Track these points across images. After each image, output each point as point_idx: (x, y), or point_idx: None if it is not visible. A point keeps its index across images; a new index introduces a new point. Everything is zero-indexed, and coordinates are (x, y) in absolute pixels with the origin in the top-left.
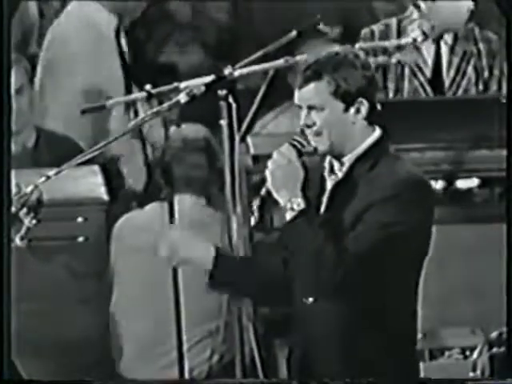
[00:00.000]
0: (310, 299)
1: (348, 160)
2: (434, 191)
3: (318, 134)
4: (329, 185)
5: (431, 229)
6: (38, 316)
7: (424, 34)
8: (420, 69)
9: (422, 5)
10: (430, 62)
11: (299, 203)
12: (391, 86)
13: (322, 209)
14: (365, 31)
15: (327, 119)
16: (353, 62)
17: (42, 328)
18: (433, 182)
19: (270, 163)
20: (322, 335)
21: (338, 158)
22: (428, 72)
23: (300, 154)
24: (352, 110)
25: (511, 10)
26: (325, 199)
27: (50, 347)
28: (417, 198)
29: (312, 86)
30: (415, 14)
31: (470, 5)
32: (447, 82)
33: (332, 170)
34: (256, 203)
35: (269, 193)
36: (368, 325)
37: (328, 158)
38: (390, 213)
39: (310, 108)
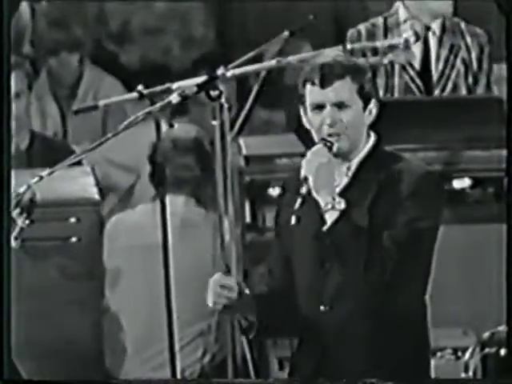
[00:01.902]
0: (322, 308)
1: (355, 163)
2: (440, 181)
3: (343, 132)
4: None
5: (439, 219)
6: (31, 316)
7: (416, 34)
8: (410, 63)
9: None
10: (418, 55)
11: (340, 202)
12: (381, 82)
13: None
14: (351, 31)
15: (352, 118)
16: (361, 65)
17: (34, 328)
18: None
19: (306, 163)
20: (341, 340)
21: (347, 160)
22: (417, 65)
23: (330, 152)
24: (367, 112)
25: (511, 10)
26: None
27: (43, 347)
28: (432, 190)
29: (339, 83)
30: (401, 12)
31: None
32: (436, 75)
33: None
34: (297, 203)
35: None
36: (391, 325)
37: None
38: (416, 208)
39: (336, 105)
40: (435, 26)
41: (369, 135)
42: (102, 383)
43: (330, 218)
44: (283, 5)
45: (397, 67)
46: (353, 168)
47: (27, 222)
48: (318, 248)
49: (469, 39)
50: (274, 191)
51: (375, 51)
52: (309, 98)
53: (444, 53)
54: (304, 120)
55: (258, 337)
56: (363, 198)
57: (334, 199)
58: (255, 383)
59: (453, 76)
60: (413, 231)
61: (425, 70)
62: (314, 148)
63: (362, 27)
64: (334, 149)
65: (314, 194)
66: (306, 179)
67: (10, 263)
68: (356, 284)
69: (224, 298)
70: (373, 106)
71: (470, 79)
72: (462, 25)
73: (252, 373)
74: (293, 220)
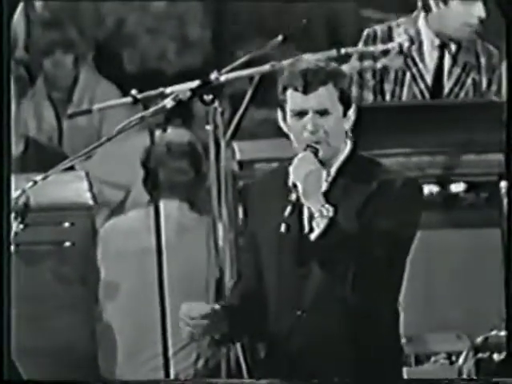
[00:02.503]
0: (298, 313)
1: (334, 169)
2: (423, 191)
3: (324, 140)
4: None
5: (416, 227)
6: (25, 320)
7: (410, 39)
8: (421, 75)
9: (433, 9)
10: (432, 69)
11: (329, 209)
12: (388, 88)
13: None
14: (367, 31)
15: (334, 125)
16: (342, 70)
17: (28, 331)
18: None
19: (293, 170)
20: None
21: (327, 167)
22: (429, 79)
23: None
24: (347, 116)
25: (511, 11)
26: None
27: (36, 351)
28: (414, 194)
29: (321, 90)
30: (420, 21)
31: (482, 14)
32: (445, 91)
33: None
34: (288, 211)
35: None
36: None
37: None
38: (396, 216)
39: (318, 113)
40: (452, 45)
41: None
42: (99, 383)
43: (317, 225)
44: (277, 9)
45: (408, 77)
46: (332, 174)
47: (21, 226)
48: (297, 253)
49: (483, 59)
50: None
51: (372, 56)
52: (290, 104)
53: (457, 70)
54: (282, 125)
55: (231, 344)
56: (344, 204)
57: (323, 206)
58: (250, 383)
59: (461, 95)
60: (391, 239)
61: (436, 86)
62: (301, 155)
63: (378, 28)
64: (320, 155)
65: (303, 201)
66: (294, 186)
67: (9, 265)
68: (333, 289)
69: (199, 326)
70: (352, 111)
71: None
72: (478, 43)
73: (246, 377)
74: (282, 228)
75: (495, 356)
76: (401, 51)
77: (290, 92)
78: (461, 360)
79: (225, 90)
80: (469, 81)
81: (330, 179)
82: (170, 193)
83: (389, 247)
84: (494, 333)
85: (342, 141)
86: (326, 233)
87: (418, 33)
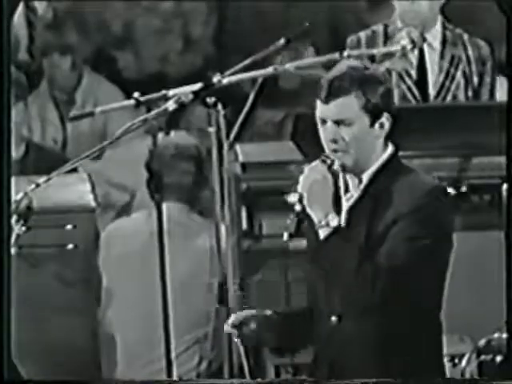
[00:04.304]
0: (334, 318)
1: (366, 176)
2: (453, 199)
3: (345, 149)
4: (346, 202)
5: (452, 238)
6: (27, 322)
7: (413, 41)
8: (407, 72)
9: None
10: (415, 64)
11: (334, 219)
12: None
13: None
14: (351, 38)
15: (356, 135)
16: (377, 76)
17: (30, 334)
18: None
19: (302, 179)
20: (348, 353)
21: (357, 174)
22: (415, 74)
23: (330, 169)
24: (377, 125)
25: (511, 10)
26: (344, 215)
27: (39, 354)
28: (440, 207)
29: (341, 100)
30: (399, 22)
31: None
32: (436, 88)
33: (347, 187)
34: (291, 219)
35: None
36: (399, 341)
37: (341, 175)
38: (417, 226)
39: (337, 123)
40: (433, 37)
41: (386, 146)
42: (101, 383)
43: (323, 234)
44: (280, 11)
45: (394, 75)
46: (364, 181)
47: (24, 228)
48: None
49: (470, 51)
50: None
51: (372, 59)
52: (317, 111)
53: (445, 65)
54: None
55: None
56: (373, 213)
57: (326, 216)
58: (251, 383)
59: (453, 88)
60: (411, 249)
61: (422, 80)
62: (313, 164)
63: (362, 34)
64: (336, 165)
65: (308, 210)
66: (301, 196)
67: (10, 267)
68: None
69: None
70: (384, 119)
71: (470, 92)
72: (465, 36)
73: (248, 380)
74: (285, 237)
75: (498, 358)
76: (403, 54)
77: (317, 99)
78: (463, 362)
79: (227, 92)
80: (458, 73)
81: (362, 186)
82: (173, 195)
83: (408, 257)
84: (496, 335)
85: (372, 150)
86: (328, 241)
87: (400, 30)
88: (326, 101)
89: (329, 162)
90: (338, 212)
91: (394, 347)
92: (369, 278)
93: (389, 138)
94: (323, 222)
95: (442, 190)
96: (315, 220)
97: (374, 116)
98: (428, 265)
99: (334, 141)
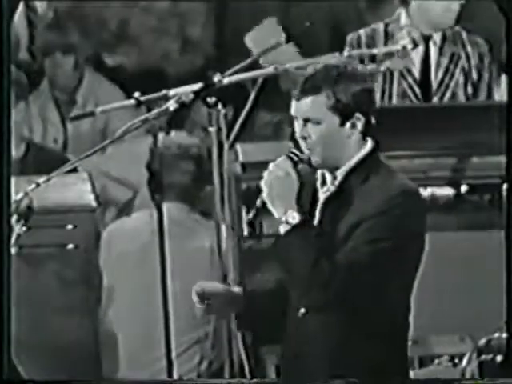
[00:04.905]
0: (302, 310)
1: (340, 173)
2: (425, 201)
3: (312, 147)
4: (321, 197)
5: (424, 240)
6: (27, 322)
7: (414, 41)
8: (409, 70)
9: (413, 3)
10: (418, 62)
11: (294, 216)
12: (377, 88)
13: (316, 222)
14: (351, 36)
15: (323, 133)
16: (352, 75)
17: (31, 334)
18: (421, 189)
19: (265, 174)
20: (313, 346)
21: (332, 171)
22: (417, 73)
23: (296, 166)
24: (348, 125)
25: (511, 10)
26: (317, 212)
27: (39, 354)
28: (408, 211)
29: (310, 99)
30: (403, 19)
31: (458, 4)
32: (435, 83)
33: (324, 183)
34: (251, 214)
35: (263, 204)
36: (359, 336)
37: (320, 171)
38: (380, 228)
39: (306, 121)
40: (436, 34)
41: (365, 144)
42: (101, 383)
43: (283, 230)
44: (281, 11)
45: (396, 74)
46: (339, 178)
47: (24, 228)
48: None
49: (469, 48)
50: None
51: (373, 58)
52: (291, 109)
53: (444, 61)
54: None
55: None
56: (343, 210)
57: (286, 213)
58: (251, 383)
59: (452, 85)
60: (372, 250)
61: (424, 78)
62: (278, 160)
63: (362, 32)
64: (304, 162)
65: (269, 206)
66: (259, 191)
67: (9, 266)
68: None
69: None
70: (355, 119)
71: (470, 89)
72: (463, 34)
73: (249, 380)
74: (245, 231)
75: (498, 358)
76: (404, 53)
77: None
78: (464, 362)
79: (228, 92)
80: (457, 71)
81: (337, 183)
82: (174, 195)
83: (391, 262)
84: (497, 335)
85: (340, 149)
86: (287, 238)
87: (402, 28)
88: (298, 98)
89: (295, 158)
90: (314, 204)
91: (353, 345)
92: (325, 276)
93: (367, 135)
94: (283, 219)
95: (413, 194)
96: (276, 216)
97: (345, 116)
98: (390, 266)
99: (303, 138)
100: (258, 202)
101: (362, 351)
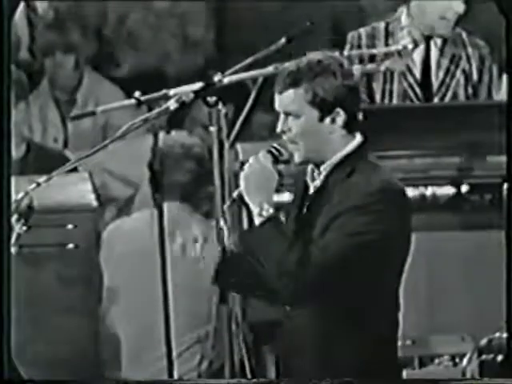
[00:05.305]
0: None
1: (325, 168)
2: (410, 199)
3: (293, 141)
4: (311, 191)
5: (409, 236)
6: (27, 322)
7: (414, 41)
8: (410, 70)
9: (413, 4)
10: (419, 62)
11: (268, 209)
12: (377, 87)
13: (303, 214)
14: (352, 34)
15: (303, 127)
16: (333, 71)
17: (30, 334)
18: (422, 189)
19: (245, 167)
20: (299, 340)
21: (317, 165)
22: (417, 73)
23: (276, 161)
24: (327, 120)
25: (511, 10)
26: (306, 205)
27: (39, 354)
28: (389, 207)
29: (290, 92)
30: (403, 19)
31: (459, 9)
32: (436, 84)
33: (313, 177)
34: (227, 205)
35: (241, 197)
36: (342, 330)
37: (310, 166)
38: (357, 222)
39: (287, 114)
40: (437, 37)
41: (352, 139)
42: (101, 383)
43: (257, 221)
44: (281, 10)
45: (396, 73)
46: (323, 172)
47: (24, 228)
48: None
49: (470, 50)
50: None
51: (372, 58)
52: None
53: (445, 62)
54: None
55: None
56: (325, 204)
57: (261, 206)
58: (252, 383)
59: (453, 85)
60: (348, 244)
61: (425, 79)
62: (258, 154)
63: (362, 30)
64: (285, 156)
65: (246, 198)
66: (240, 184)
67: (9, 266)
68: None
69: None
70: (335, 115)
71: (470, 90)
72: (464, 35)
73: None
74: (221, 222)
75: (499, 358)
76: (404, 54)
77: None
78: (464, 362)
79: (228, 91)
80: (458, 72)
81: (322, 177)
82: (175, 195)
83: (368, 257)
84: (497, 335)
85: (323, 144)
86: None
87: (403, 28)
88: (279, 92)
89: (276, 153)
90: (305, 199)
91: (337, 341)
92: (293, 270)
93: (354, 131)
94: (257, 211)
95: (394, 191)
96: (251, 208)
97: (324, 111)
98: (365, 261)
99: (283, 131)
100: (235, 194)
101: (347, 348)
